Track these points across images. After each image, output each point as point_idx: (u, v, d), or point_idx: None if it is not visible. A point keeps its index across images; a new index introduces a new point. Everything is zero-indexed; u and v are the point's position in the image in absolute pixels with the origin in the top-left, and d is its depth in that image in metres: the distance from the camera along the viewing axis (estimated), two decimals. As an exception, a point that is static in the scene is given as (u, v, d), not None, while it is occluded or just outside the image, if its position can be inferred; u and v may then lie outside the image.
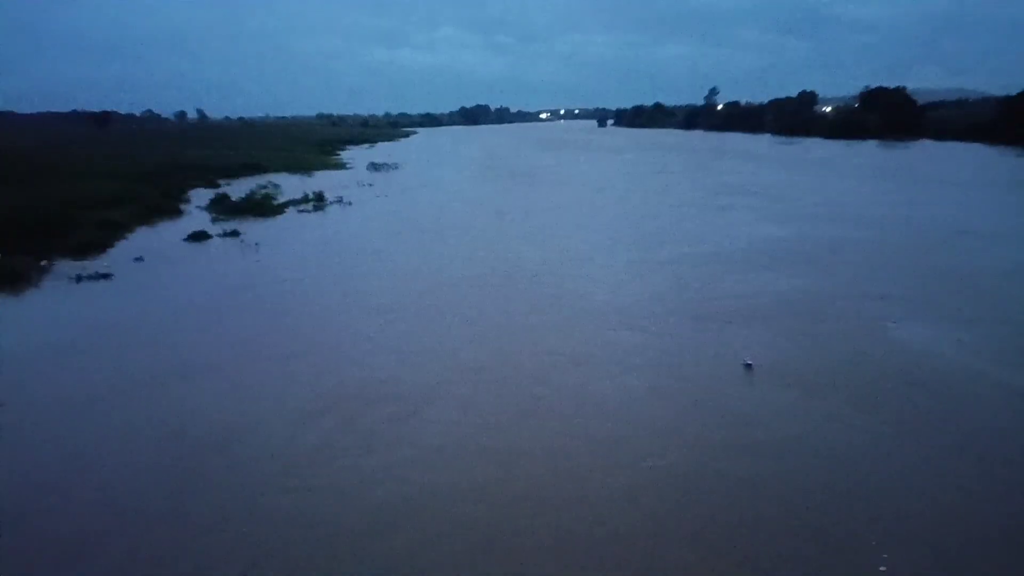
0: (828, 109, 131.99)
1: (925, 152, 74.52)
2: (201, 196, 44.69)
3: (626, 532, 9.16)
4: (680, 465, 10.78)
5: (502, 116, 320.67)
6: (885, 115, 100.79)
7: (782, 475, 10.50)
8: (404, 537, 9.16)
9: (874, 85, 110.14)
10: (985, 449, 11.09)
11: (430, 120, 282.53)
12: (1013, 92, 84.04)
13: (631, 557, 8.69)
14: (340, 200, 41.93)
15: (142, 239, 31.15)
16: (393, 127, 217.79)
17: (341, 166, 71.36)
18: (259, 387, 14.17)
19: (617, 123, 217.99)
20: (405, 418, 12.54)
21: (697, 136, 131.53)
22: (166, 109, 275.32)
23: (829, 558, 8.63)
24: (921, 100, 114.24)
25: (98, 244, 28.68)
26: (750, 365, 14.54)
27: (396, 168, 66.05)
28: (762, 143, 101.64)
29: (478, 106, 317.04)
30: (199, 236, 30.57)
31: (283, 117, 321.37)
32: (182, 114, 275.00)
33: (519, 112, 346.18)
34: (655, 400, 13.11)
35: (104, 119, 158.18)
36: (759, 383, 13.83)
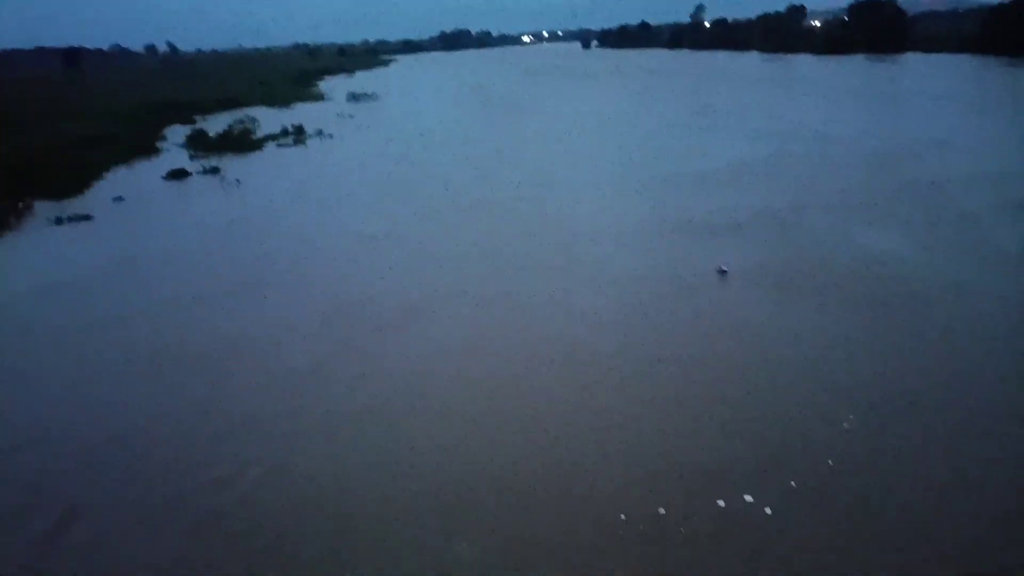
0: (817, 23, 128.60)
1: (909, 67, 73.56)
2: (178, 133, 44.03)
3: (620, 425, 9.93)
4: (661, 364, 11.53)
5: (483, 41, 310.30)
6: (873, 28, 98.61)
7: (754, 355, 11.51)
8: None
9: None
10: (928, 330, 12.07)
11: (410, 47, 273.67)
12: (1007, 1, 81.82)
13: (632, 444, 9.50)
14: (320, 133, 41.47)
15: (120, 179, 30.99)
16: (372, 55, 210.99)
17: (320, 98, 69.97)
18: (252, 311, 14.77)
19: (602, 44, 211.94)
20: (390, 331, 13.24)
21: (683, 56, 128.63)
22: (135, 43, 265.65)
23: (801, 416, 9.77)
24: (913, 11, 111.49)
25: (76, 185, 28.56)
26: (725, 271, 15.31)
27: (376, 98, 64.80)
28: (749, 62, 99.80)
29: (459, 31, 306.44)
30: (179, 174, 30.43)
31: (257, 48, 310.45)
32: (152, 48, 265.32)
33: (501, 36, 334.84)
34: (636, 305, 13.81)
35: (74, 56, 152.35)
36: (732, 286, 14.74)
